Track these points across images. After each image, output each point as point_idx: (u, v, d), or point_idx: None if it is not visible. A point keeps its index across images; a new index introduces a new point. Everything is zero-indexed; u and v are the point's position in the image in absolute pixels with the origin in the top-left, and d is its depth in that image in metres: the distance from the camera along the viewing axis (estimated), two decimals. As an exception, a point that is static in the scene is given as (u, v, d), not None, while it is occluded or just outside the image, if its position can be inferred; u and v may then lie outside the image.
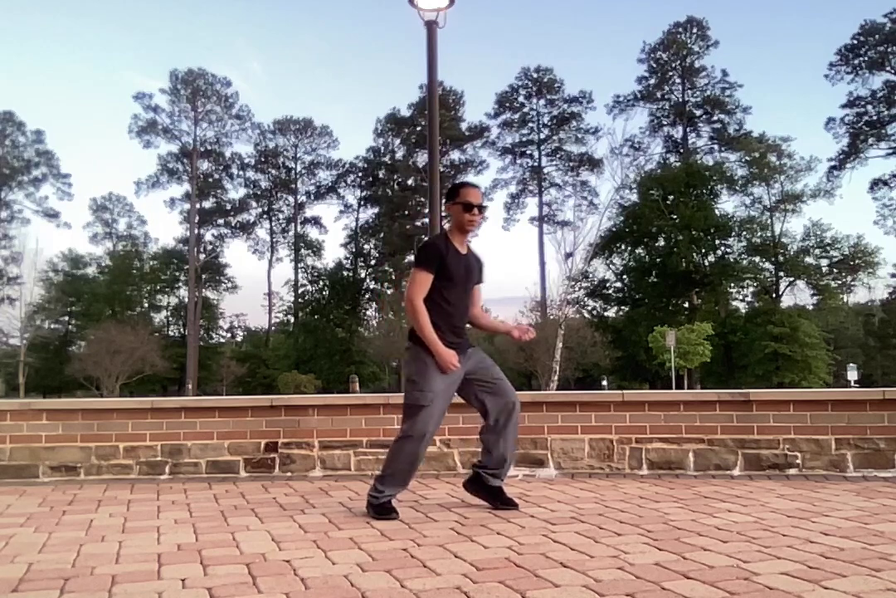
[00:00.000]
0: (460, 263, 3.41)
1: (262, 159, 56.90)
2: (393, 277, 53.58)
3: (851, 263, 42.14)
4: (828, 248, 42.60)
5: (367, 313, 55.75)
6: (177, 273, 57.12)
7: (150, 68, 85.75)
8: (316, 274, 56.17)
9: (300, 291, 55.84)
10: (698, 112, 49.59)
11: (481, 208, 3.46)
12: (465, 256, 3.46)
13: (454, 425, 4.56)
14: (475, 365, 3.45)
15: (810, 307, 44.58)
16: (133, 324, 44.01)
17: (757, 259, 44.30)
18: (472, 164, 53.82)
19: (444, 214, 3.58)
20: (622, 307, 47.83)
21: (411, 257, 52.05)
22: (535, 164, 53.48)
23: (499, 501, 3.43)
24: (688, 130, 49.70)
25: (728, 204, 51.28)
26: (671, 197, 43.65)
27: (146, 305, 57.43)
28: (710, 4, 71.12)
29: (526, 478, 4.35)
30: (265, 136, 56.69)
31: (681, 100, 49.55)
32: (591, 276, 45.75)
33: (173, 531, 3.04)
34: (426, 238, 4.32)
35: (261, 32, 79.38)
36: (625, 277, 47.65)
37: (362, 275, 55.60)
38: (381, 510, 3.26)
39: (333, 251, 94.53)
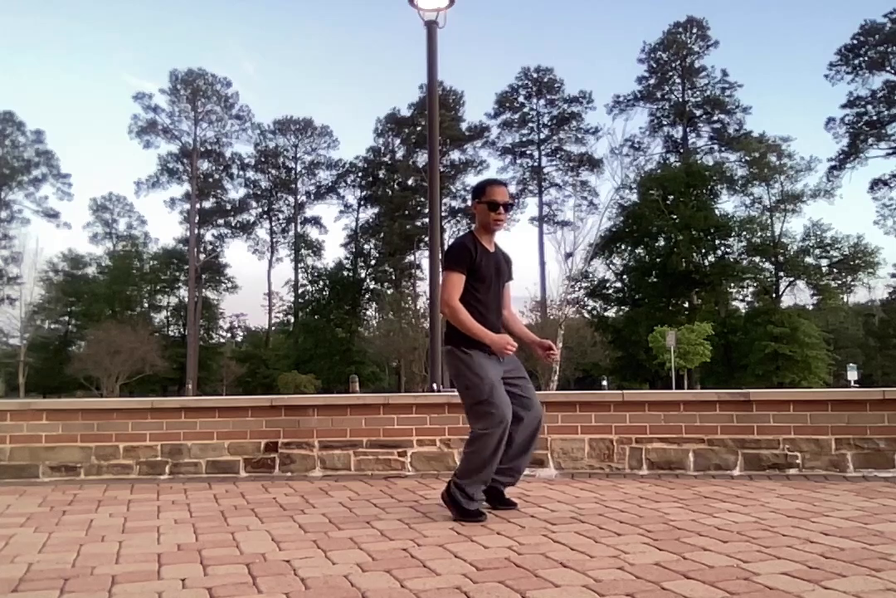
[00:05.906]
0: (490, 262, 3.35)
1: (262, 159, 56.92)
2: (393, 277, 53.59)
3: (851, 263, 42.12)
4: (828, 248, 42.57)
5: (367, 312, 55.81)
6: (177, 273, 57.13)
7: (147, 71, 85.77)
8: (316, 274, 56.18)
9: (300, 291, 55.87)
10: (698, 112, 49.58)
11: (507, 207, 3.38)
12: (493, 255, 3.40)
13: (454, 425, 4.56)
14: (512, 371, 3.38)
15: (810, 307, 44.55)
16: (133, 324, 44.07)
17: (757, 259, 44.28)
18: (472, 164, 53.84)
19: (471, 211, 3.50)
20: (622, 307, 47.82)
21: (411, 257, 52.20)
22: (535, 164, 53.49)
23: (498, 501, 3.43)
24: (688, 130, 49.68)
25: (728, 204, 51.38)
26: (671, 197, 43.64)
27: (146, 305, 57.46)
28: (710, 4, 71.18)
29: (526, 478, 4.34)
30: (265, 136, 56.82)
31: (681, 100, 49.54)
32: (591, 276, 45.77)
33: (173, 531, 3.04)
34: (451, 240, 4.30)
35: (260, 33, 79.55)
36: (625, 277, 47.63)
37: (362, 275, 55.57)
38: (475, 513, 3.18)
39: (333, 251, 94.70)
